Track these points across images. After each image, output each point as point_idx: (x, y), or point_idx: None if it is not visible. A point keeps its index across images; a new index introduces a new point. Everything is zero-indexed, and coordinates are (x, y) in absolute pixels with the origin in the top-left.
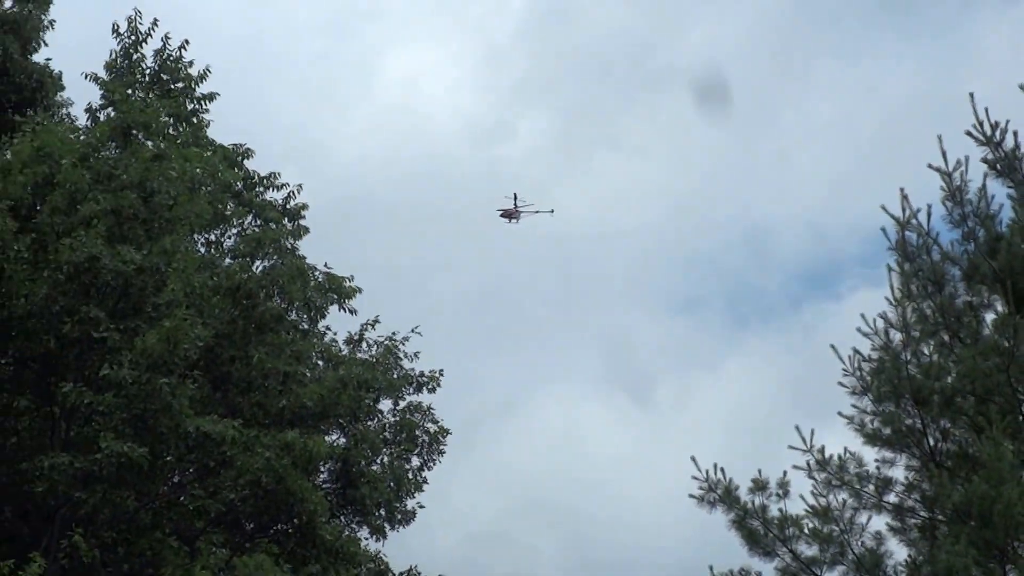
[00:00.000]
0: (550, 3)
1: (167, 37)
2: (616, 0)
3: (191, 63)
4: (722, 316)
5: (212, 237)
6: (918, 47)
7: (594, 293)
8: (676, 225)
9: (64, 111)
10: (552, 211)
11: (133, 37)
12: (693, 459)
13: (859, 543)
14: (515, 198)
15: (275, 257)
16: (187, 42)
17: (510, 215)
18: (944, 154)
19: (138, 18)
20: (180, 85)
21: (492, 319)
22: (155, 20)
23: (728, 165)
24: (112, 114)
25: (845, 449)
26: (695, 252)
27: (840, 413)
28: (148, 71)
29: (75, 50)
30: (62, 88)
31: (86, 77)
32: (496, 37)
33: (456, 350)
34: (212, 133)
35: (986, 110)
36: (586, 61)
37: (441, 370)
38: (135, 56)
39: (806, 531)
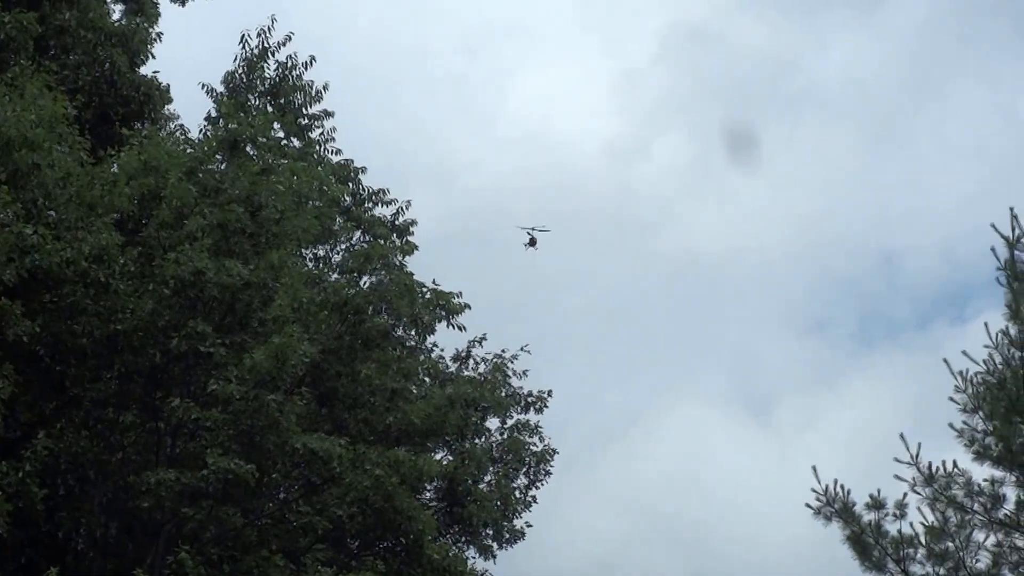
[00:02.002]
0: (688, 25)
1: (293, 56)
2: (753, 22)
3: (312, 82)
4: (849, 338)
5: (320, 252)
6: None
7: (721, 312)
8: (806, 246)
9: (172, 124)
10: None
11: (259, 49)
12: (814, 469)
13: (974, 559)
14: (533, 229)
15: (383, 273)
16: (313, 59)
17: (533, 243)
18: None
19: (271, 27)
20: (297, 103)
21: (618, 337)
22: (290, 34)
23: (860, 186)
24: (223, 126)
25: (954, 463)
26: (824, 273)
27: (951, 425)
28: (268, 81)
29: (184, 62)
30: (170, 101)
31: (202, 87)
32: (633, 58)
33: (581, 367)
34: (339, 147)
35: None
36: (722, 82)
37: (550, 390)
38: (259, 66)
39: (920, 551)
